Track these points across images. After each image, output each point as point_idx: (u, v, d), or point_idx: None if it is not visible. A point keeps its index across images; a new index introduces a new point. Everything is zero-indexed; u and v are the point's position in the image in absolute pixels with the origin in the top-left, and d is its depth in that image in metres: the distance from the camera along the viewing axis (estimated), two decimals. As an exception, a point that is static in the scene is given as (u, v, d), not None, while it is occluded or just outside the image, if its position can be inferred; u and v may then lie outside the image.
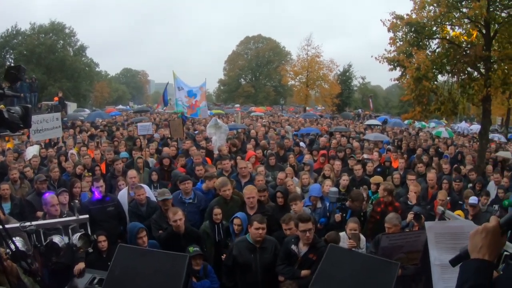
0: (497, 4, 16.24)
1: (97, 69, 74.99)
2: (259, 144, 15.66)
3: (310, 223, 5.99)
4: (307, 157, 13.32)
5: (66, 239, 4.32)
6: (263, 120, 33.50)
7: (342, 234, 6.73)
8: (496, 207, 9.61)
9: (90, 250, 5.05)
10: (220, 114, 36.69)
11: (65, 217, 6.16)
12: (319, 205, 8.52)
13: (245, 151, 13.77)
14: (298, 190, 9.22)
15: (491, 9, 15.76)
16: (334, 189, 8.42)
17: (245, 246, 6.31)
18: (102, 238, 6.92)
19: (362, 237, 6.82)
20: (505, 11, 16.34)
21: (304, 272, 5.88)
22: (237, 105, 67.82)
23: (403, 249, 5.28)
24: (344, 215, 7.77)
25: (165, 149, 14.02)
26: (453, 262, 1.81)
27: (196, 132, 20.95)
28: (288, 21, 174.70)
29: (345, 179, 9.79)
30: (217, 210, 7.47)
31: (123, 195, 9.04)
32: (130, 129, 20.93)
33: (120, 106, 62.84)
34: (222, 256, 6.93)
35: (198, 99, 18.95)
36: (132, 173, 9.42)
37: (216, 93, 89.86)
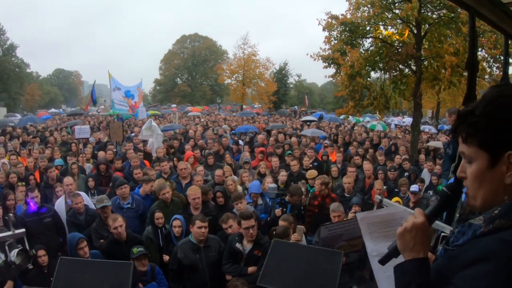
0: (428, 6, 17.22)
1: (27, 69, 72.33)
2: (197, 144, 15.54)
3: (252, 220, 6.02)
4: (245, 155, 13.23)
5: (2, 257, 4.12)
6: (201, 120, 33.36)
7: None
8: (431, 192, 10.03)
9: (30, 266, 4.86)
10: (156, 115, 36.25)
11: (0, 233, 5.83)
12: (259, 201, 8.54)
13: (183, 151, 13.66)
14: (239, 188, 9.21)
15: (422, 11, 16.67)
16: (273, 185, 8.46)
17: (189, 247, 6.23)
18: (41, 252, 6.25)
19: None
20: (435, 12, 17.44)
21: (250, 269, 5.91)
22: (174, 105, 66.90)
23: (343, 237, 5.36)
24: (284, 210, 7.85)
25: (100, 153, 13.48)
26: (383, 261, 1.84)
27: (133, 134, 20.36)
28: (225, 20, 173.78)
29: (283, 175, 9.86)
30: (158, 214, 7.34)
31: (60, 205, 8.52)
32: (63, 133, 19.90)
33: (53, 110, 60.55)
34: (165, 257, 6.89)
35: (137, 100, 18.59)
36: (68, 180, 8.84)
37: (152, 93, 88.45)
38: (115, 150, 14.22)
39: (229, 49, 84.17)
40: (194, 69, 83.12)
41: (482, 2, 4.44)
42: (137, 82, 19.62)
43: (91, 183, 9.87)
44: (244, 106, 61.19)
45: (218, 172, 9.95)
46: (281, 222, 6.68)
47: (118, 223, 6.52)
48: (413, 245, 1.64)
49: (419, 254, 1.63)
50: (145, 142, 15.41)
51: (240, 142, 17.45)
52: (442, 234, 2.02)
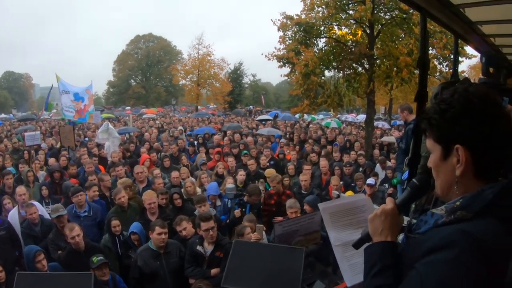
0: (381, 7, 17.86)
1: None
2: (153, 147, 15.29)
3: (211, 222, 5.97)
4: (200, 156, 13.31)
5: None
6: (156, 122, 33.00)
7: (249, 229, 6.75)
8: (386, 186, 10.29)
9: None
10: (110, 118, 35.59)
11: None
12: (218, 203, 8.51)
13: (139, 155, 13.47)
14: (198, 190, 9.17)
15: (375, 12, 17.23)
16: (231, 185, 8.46)
17: (149, 255, 6.07)
18: (-2, 268, 6.06)
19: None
20: (388, 13, 18.07)
21: (213, 271, 5.85)
22: (128, 108, 65.76)
23: (299, 233, 5.41)
24: (243, 210, 7.82)
25: (52, 160, 13.04)
26: (356, 245, 1.90)
27: (86, 139, 19.95)
28: (180, 20, 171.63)
29: (241, 175, 9.86)
30: (115, 222, 7.03)
31: (13, 216, 7.93)
32: (14, 140, 18.68)
33: (3, 115, 58.41)
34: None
35: (87, 103, 17.96)
36: (20, 189, 8.35)
37: (105, 96, 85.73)
38: (68, 156, 13.53)
39: (183, 49, 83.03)
40: (148, 70, 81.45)
41: (433, 4, 4.58)
42: (87, 84, 18.97)
43: (45, 191, 9.40)
44: (199, 107, 60.56)
45: (174, 174, 9.84)
46: (246, 224, 6.64)
47: (75, 233, 6.25)
48: (381, 230, 1.74)
49: (387, 238, 1.72)
50: (99, 146, 15.09)
51: (196, 143, 17.36)
52: (402, 224, 2.08)
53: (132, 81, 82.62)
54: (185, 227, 6.53)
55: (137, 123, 31.48)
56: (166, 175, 10.59)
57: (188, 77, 60.14)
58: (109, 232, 7.10)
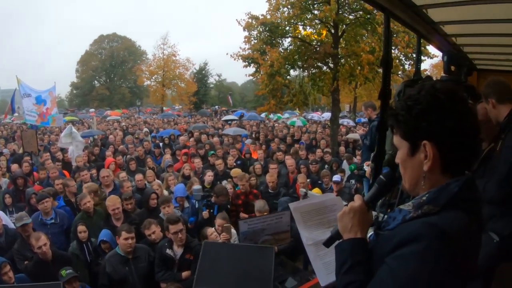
0: (346, 7, 18.39)
1: None
2: (118, 149, 15.07)
3: (180, 224, 5.91)
4: (166, 158, 13.18)
5: None
6: (121, 124, 32.48)
7: (212, 229, 6.63)
8: (353, 181, 10.34)
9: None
10: (74, 120, 34.83)
11: None
12: (186, 204, 8.42)
13: (104, 158, 13.19)
14: (165, 192, 9.08)
15: (340, 12, 17.72)
16: (198, 186, 8.35)
17: (117, 260, 5.91)
18: (-37, 282, 5.73)
19: (233, 230, 6.87)
20: (352, 14, 18.56)
21: (185, 274, 5.79)
22: (92, 110, 64.36)
23: (266, 232, 5.41)
24: (211, 211, 7.78)
25: (14, 166, 12.41)
26: (327, 244, 1.91)
27: (50, 143, 19.24)
28: (145, 19, 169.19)
29: (209, 175, 9.81)
30: (81, 228, 6.75)
31: None
32: None
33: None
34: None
35: (49, 106, 17.38)
36: None
37: (68, 98, 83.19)
38: (31, 161, 12.88)
39: (148, 49, 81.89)
40: (112, 70, 79.33)
41: (397, 4, 4.66)
42: (50, 86, 18.41)
43: (8, 199, 8.81)
44: (164, 108, 60.00)
45: (137, 177, 9.61)
46: (219, 221, 6.67)
47: (41, 242, 6.00)
48: (351, 227, 1.76)
49: (357, 235, 1.75)
50: (63, 150, 14.67)
51: (162, 145, 17.25)
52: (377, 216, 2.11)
53: (96, 82, 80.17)
54: (154, 231, 6.39)
55: (101, 125, 30.93)
56: (132, 178, 10.31)
57: (153, 77, 59.28)
58: (76, 239, 6.83)
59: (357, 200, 1.82)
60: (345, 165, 12.32)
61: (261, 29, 19.17)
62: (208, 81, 71.95)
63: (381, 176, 1.87)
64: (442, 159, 1.56)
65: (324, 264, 2.13)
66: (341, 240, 1.80)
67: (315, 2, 18.53)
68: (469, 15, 5.17)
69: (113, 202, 7.28)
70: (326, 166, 12.11)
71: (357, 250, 1.70)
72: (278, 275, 4.48)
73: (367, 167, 7.03)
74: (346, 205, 1.85)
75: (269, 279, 4.09)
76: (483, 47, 7.10)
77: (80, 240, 6.72)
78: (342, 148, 15.82)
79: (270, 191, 9.19)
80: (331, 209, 2.31)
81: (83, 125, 32.11)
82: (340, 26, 18.19)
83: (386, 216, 1.77)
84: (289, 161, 11.22)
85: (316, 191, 8.77)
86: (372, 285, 1.53)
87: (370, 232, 1.90)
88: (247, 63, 19.40)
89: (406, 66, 19.14)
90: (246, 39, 19.44)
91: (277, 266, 4.53)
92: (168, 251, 5.95)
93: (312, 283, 4.06)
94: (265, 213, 6.74)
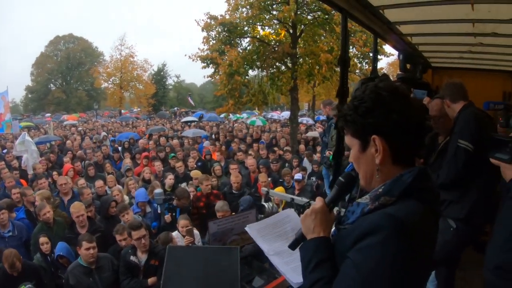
0: (304, 8, 18.62)
1: None
2: (76, 155, 14.71)
3: (142, 230, 5.82)
4: (126, 162, 12.94)
5: None
6: (78, 128, 31.62)
7: (175, 233, 6.59)
8: (314, 179, 10.54)
9: None
10: (30, 126, 33.86)
11: None
12: (148, 209, 8.31)
13: (62, 165, 12.77)
14: (126, 198, 8.95)
15: (298, 12, 17.89)
16: (159, 190, 8.21)
17: (80, 272, 5.72)
18: None
19: (196, 232, 6.83)
20: (311, 14, 18.85)
21: (151, 280, 5.71)
22: (48, 115, 62.27)
23: (234, 231, 5.42)
24: (173, 214, 7.73)
25: None
26: (292, 246, 1.94)
27: (4, 151, 18.16)
28: (102, 20, 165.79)
29: (170, 178, 9.72)
30: (43, 239, 6.46)
31: None
32: None
33: None
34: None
35: (2, 112, 16.80)
36: None
37: (23, 103, 79.73)
38: None
39: (105, 50, 79.79)
40: (68, 73, 76.55)
41: (354, 5, 4.75)
42: (2, 90, 17.70)
43: None
44: (122, 111, 58.88)
45: (98, 183, 9.41)
46: (182, 222, 6.61)
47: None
48: (313, 227, 1.80)
49: (320, 234, 1.79)
50: (19, 158, 14.03)
51: (121, 149, 16.89)
52: (337, 212, 2.16)
53: (52, 85, 76.97)
54: (126, 237, 6.28)
55: (58, 130, 29.99)
56: (91, 184, 10.09)
57: (111, 79, 57.91)
58: (39, 251, 6.53)
59: (318, 202, 1.86)
60: (305, 162, 12.41)
61: (219, 30, 19.21)
62: (167, 83, 70.92)
63: (340, 178, 1.91)
64: (391, 151, 1.63)
65: (292, 269, 2.14)
66: (305, 241, 1.83)
67: (274, 3, 18.75)
68: (423, 16, 5.31)
69: (77, 209, 7.04)
70: (286, 164, 12.17)
71: (321, 248, 1.74)
72: (244, 275, 4.48)
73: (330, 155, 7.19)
74: (308, 205, 1.88)
75: (236, 280, 4.09)
76: (437, 46, 7.31)
77: (43, 252, 6.46)
78: (302, 146, 15.94)
79: (234, 191, 9.10)
80: (286, 221, 2.37)
81: (39, 130, 31.27)
82: (299, 26, 18.45)
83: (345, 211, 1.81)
84: (250, 161, 11.24)
85: (279, 189, 8.80)
86: (338, 280, 1.57)
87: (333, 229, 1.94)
88: (205, 63, 19.39)
89: (364, 65, 19.59)
90: (204, 40, 19.45)
91: (243, 266, 4.54)
92: (132, 258, 5.84)
93: (279, 281, 4.09)
94: (226, 213, 6.70)
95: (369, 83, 1.72)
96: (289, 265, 2.15)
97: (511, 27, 5.29)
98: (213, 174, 10.59)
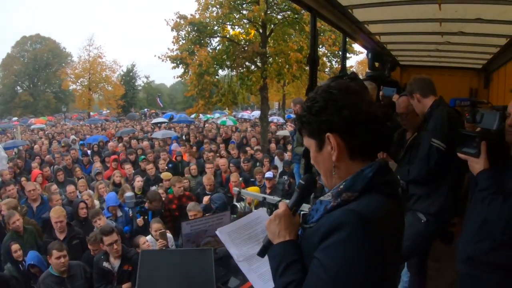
0: (274, 7, 18.76)
1: None
2: (44, 160, 14.43)
3: (114, 235, 5.71)
4: (95, 166, 12.78)
5: None
6: (46, 132, 31.10)
7: (148, 237, 6.54)
8: (285, 177, 10.61)
9: None
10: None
11: None
12: (119, 213, 8.17)
13: (30, 170, 12.50)
14: (97, 203, 8.81)
15: (268, 12, 18.04)
16: (130, 193, 8.17)
17: (52, 281, 5.55)
18: None
19: (169, 235, 6.76)
20: (280, 13, 18.99)
21: (125, 286, 5.60)
22: (15, 118, 60.67)
23: (208, 233, 5.40)
24: (145, 217, 7.65)
25: None
26: (261, 254, 1.91)
27: None
28: (69, 20, 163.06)
29: (138, 181, 9.63)
30: (15, 246, 6.35)
31: None
32: None
33: None
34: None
35: None
36: None
37: None
38: None
39: (73, 51, 78.14)
40: (36, 75, 73.81)
41: (323, 4, 4.78)
42: None
43: None
44: (91, 113, 57.77)
45: (69, 188, 9.21)
46: (155, 226, 6.54)
47: None
48: (279, 232, 1.79)
49: (286, 238, 1.77)
50: None
51: (90, 152, 16.66)
52: (302, 212, 2.16)
53: (19, 88, 75.20)
54: (97, 248, 6.12)
55: (25, 135, 29.54)
56: (61, 190, 9.82)
57: (79, 81, 56.41)
58: (10, 260, 6.43)
59: (281, 207, 1.86)
60: (276, 161, 12.50)
61: (189, 29, 19.20)
62: (136, 84, 70.14)
63: (300, 181, 1.92)
64: (347, 147, 1.64)
65: (259, 276, 2.15)
66: (272, 246, 1.83)
67: (244, 2, 18.86)
68: (392, 15, 5.38)
69: (57, 214, 6.83)
70: (257, 163, 12.21)
71: (288, 251, 1.74)
72: (220, 276, 4.47)
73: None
74: (277, 202, 1.88)
75: (211, 281, 4.09)
76: (405, 45, 7.42)
77: (15, 260, 6.34)
78: (273, 145, 16.00)
79: (207, 192, 9.06)
80: (256, 222, 2.36)
81: (6, 135, 30.67)
82: (269, 26, 18.57)
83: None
84: (221, 161, 11.27)
85: (251, 189, 8.77)
86: (307, 281, 1.57)
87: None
88: (175, 64, 19.32)
89: (333, 63, 19.82)
90: (174, 39, 19.42)
91: (219, 267, 4.52)
92: (105, 264, 5.71)
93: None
94: (198, 213, 6.65)
95: (322, 84, 1.75)
96: (257, 272, 2.15)
97: (477, 26, 5.42)
98: (189, 174, 10.63)
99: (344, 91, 1.65)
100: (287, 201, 1.89)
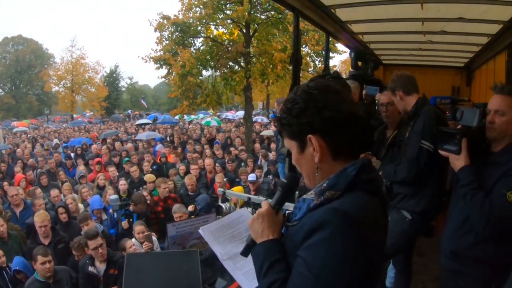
0: (258, 7, 18.74)
1: None
2: (27, 164, 14.01)
3: (99, 238, 5.65)
4: (79, 169, 12.53)
5: None
6: (28, 135, 30.71)
7: (133, 240, 6.41)
8: (270, 177, 10.61)
9: None
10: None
11: None
12: (104, 217, 8.08)
13: (13, 175, 12.20)
14: (81, 206, 8.66)
15: (252, 12, 18.00)
16: (114, 196, 8.03)
17: (37, 287, 5.44)
18: None
19: (154, 238, 6.74)
20: (264, 13, 19.02)
21: None
22: None
23: (194, 235, 5.38)
24: (131, 220, 7.50)
25: None
26: (244, 253, 1.91)
27: None
28: (52, 21, 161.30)
29: (122, 184, 9.54)
30: None
31: None
32: None
33: None
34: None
35: None
36: None
37: None
38: None
39: (56, 52, 76.86)
40: (18, 76, 72.02)
41: (306, 4, 4.80)
42: None
43: None
44: (74, 115, 56.99)
45: (53, 192, 9.11)
46: (138, 228, 6.47)
47: None
48: (262, 231, 1.78)
49: (269, 237, 1.77)
50: None
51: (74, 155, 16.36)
52: (287, 211, 2.15)
53: (1, 90, 73.95)
54: (81, 253, 6.05)
55: (8, 138, 29.00)
56: (45, 194, 9.63)
57: (61, 83, 55.70)
58: None
59: (264, 205, 1.86)
60: (261, 161, 12.50)
61: (172, 30, 19.14)
62: (120, 85, 69.46)
63: (283, 179, 1.92)
64: (329, 148, 1.63)
65: (244, 274, 2.14)
66: (255, 245, 1.82)
67: (228, 2, 18.86)
68: (374, 15, 5.43)
69: (41, 219, 6.72)
70: (242, 164, 12.23)
71: (272, 250, 1.73)
72: (207, 277, 4.47)
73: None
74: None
75: (197, 283, 4.08)
76: (388, 44, 7.48)
77: (-1, 267, 6.18)
78: (257, 145, 16.05)
79: (190, 193, 9.09)
80: (239, 221, 2.34)
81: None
82: (252, 26, 18.59)
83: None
84: (206, 161, 11.23)
85: (236, 189, 8.74)
86: (291, 281, 1.57)
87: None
88: (159, 64, 19.27)
89: (316, 63, 19.91)
90: (158, 40, 19.35)
91: (205, 268, 4.52)
92: (91, 268, 5.66)
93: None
94: (183, 215, 6.64)
95: (301, 84, 1.73)
96: (242, 270, 2.13)
97: (459, 25, 5.49)
98: (177, 176, 10.62)
99: (323, 91, 1.64)
100: (271, 200, 1.89)
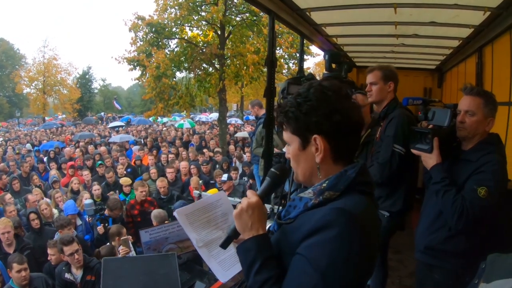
0: (233, 9, 18.85)
1: None
2: None
3: (75, 244, 5.52)
4: (52, 173, 12.26)
5: None
6: (-1, 139, 29.96)
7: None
8: (245, 179, 10.65)
9: None
10: None
11: None
12: (78, 222, 7.90)
13: None
14: (55, 211, 8.48)
15: (227, 13, 18.05)
16: (89, 201, 7.83)
17: None
18: None
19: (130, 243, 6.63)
20: (239, 15, 19.11)
21: None
22: None
23: (169, 240, 5.34)
24: (106, 225, 7.36)
25: None
26: (224, 245, 1.87)
27: None
28: (22, 20, 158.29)
29: (96, 189, 9.27)
30: None
31: None
32: None
33: None
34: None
35: None
36: None
37: None
38: None
39: (27, 53, 74.96)
40: None
41: (281, 7, 4.85)
42: None
43: None
44: (46, 118, 55.61)
45: (31, 197, 8.92)
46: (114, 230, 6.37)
47: None
48: (251, 224, 1.73)
49: (259, 231, 1.72)
50: None
51: (46, 159, 16.15)
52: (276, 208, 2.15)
53: None
54: (54, 254, 5.95)
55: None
56: (17, 200, 9.38)
57: (33, 84, 53.98)
58: None
59: (252, 196, 1.79)
60: (236, 163, 12.54)
61: (147, 30, 18.97)
62: (92, 87, 68.39)
63: (272, 169, 1.87)
64: (332, 150, 1.64)
65: (219, 263, 2.10)
66: (244, 240, 1.75)
67: (203, 4, 18.80)
68: (349, 18, 5.52)
69: (3, 225, 6.51)
70: (217, 165, 12.22)
71: (263, 246, 1.69)
72: (185, 280, 4.45)
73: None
74: (237, 204, 1.84)
75: (176, 286, 4.06)
76: (362, 46, 7.61)
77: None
78: (232, 147, 16.12)
79: (162, 196, 8.95)
80: (216, 205, 2.26)
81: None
82: (227, 28, 18.61)
83: (282, 207, 1.81)
84: (182, 163, 11.19)
85: (212, 191, 8.73)
86: (290, 279, 1.56)
87: (269, 224, 1.93)
88: (132, 66, 19.08)
89: (290, 65, 20.02)
90: (132, 41, 19.14)
91: (183, 272, 4.51)
92: (67, 275, 5.54)
93: (220, 283, 4.10)
94: (166, 221, 6.56)
95: (314, 81, 1.73)
96: (217, 259, 2.10)
97: (431, 29, 5.62)
98: (149, 179, 10.48)
99: (338, 94, 1.64)
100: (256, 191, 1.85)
